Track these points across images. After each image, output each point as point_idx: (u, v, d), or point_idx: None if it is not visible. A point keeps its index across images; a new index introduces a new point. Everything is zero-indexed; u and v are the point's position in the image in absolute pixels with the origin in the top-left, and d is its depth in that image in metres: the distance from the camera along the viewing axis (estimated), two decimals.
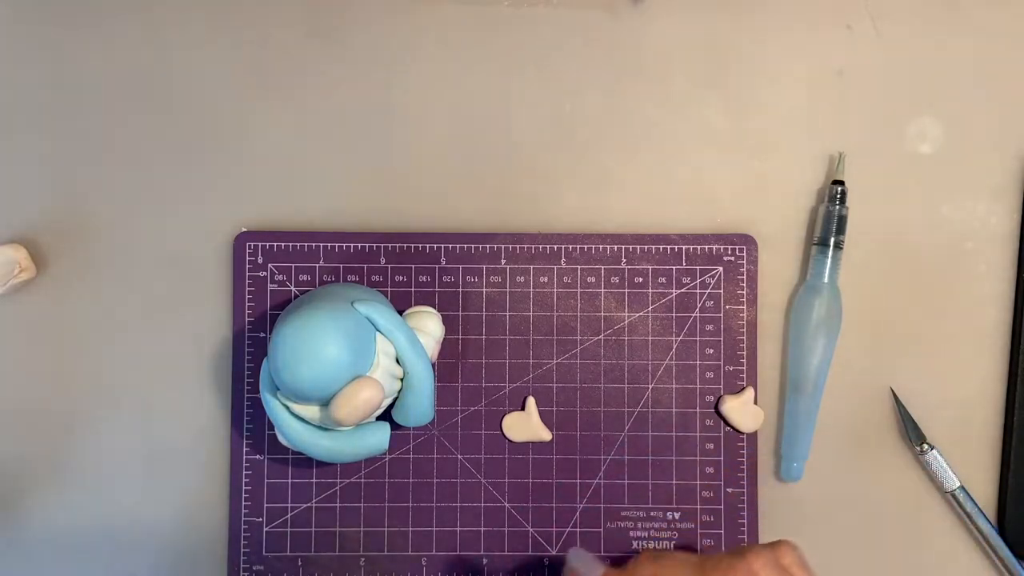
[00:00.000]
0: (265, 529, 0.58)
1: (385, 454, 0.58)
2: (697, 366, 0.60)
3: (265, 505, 0.58)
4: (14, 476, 0.58)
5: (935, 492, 0.60)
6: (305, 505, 0.58)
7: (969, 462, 0.59)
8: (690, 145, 0.61)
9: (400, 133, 0.60)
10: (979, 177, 0.60)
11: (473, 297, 0.59)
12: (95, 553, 0.58)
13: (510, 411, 0.59)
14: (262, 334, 0.59)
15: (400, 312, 0.55)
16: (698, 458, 0.59)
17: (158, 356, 0.59)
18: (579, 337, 0.59)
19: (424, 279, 0.59)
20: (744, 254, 0.60)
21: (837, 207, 0.59)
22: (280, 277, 0.59)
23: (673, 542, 0.59)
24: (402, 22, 0.60)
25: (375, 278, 0.59)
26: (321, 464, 0.58)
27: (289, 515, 0.58)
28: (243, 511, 0.58)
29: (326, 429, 0.53)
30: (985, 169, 0.60)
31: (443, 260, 0.59)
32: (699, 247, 0.60)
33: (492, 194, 0.60)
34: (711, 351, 0.60)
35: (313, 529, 0.58)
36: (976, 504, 0.59)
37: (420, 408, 0.54)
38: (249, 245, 0.59)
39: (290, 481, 0.58)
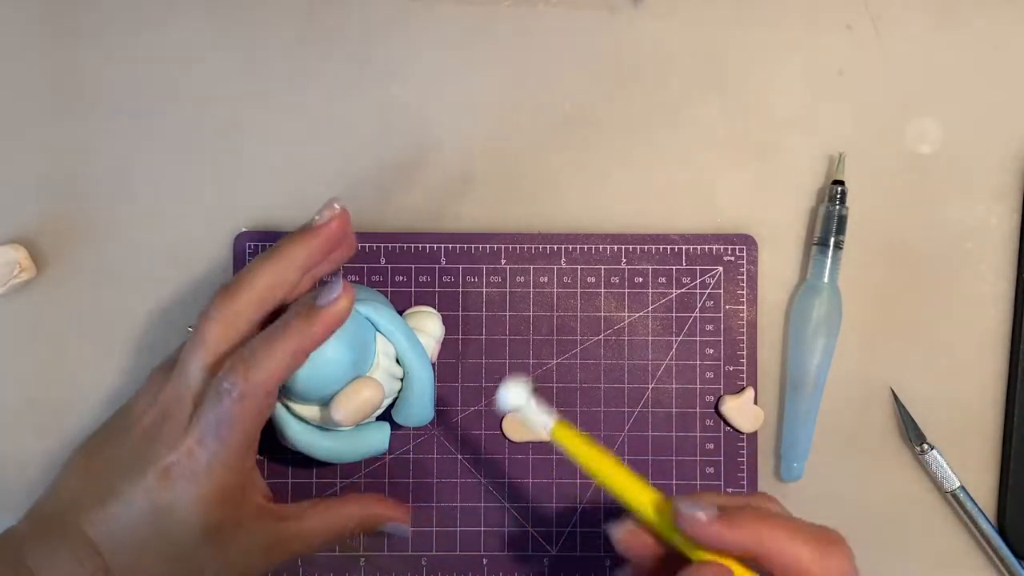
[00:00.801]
0: None
1: (385, 454, 0.58)
2: (697, 366, 0.59)
3: None
4: (14, 476, 0.58)
5: (935, 492, 0.60)
6: None
7: (969, 462, 0.59)
8: (690, 145, 0.61)
9: (400, 132, 0.60)
10: (979, 177, 0.60)
11: (473, 297, 0.59)
12: None
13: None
14: None
15: (400, 312, 0.55)
16: (698, 458, 0.59)
17: (159, 356, 0.59)
18: (579, 337, 0.59)
19: (424, 279, 0.59)
20: (744, 254, 0.60)
21: (837, 207, 0.59)
22: None
23: None
24: (402, 22, 0.60)
25: (375, 278, 0.59)
26: (321, 464, 0.58)
27: None
28: None
29: (327, 429, 0.53)
30: (985, 169, 0.60)
31: (443, 260, 0.59)
32: (699, 247, 0.60)
33: (492, 194, 0.60)
34: (711, 351, 0.60)
35: None
36: (976, 504, 0.59)
37: (420, 408, 0.54)
38: (249, 244, 0.59)
39: (290, 481, 0.58)
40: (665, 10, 0.61)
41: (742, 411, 0.59)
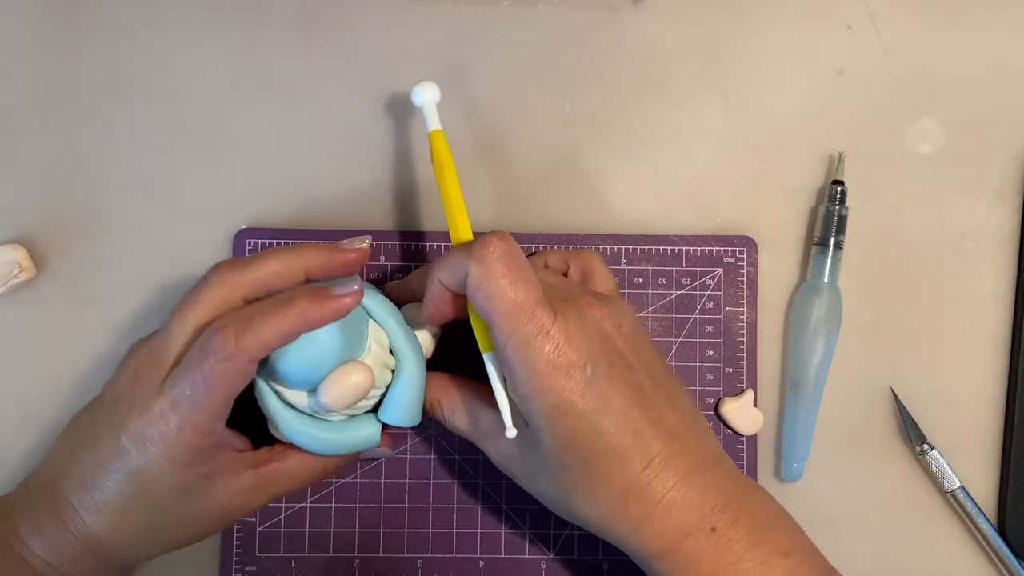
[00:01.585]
0: (258, 529, 0.58)
1: (382, 454, 0.58)
2: (697, 368, 0.59)
3: None
4: (14, 477, 0.58)
5: (935, 492, 0.59)
6: (299, 505, 0.58)
7: (969, 462, 0.59)
8: (690, 145, 0.61)
9: (399, 132, 0.60)
10: (979, 177, 0.60)
11: None
12: None
13: None
14: None
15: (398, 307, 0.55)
16: None
17: None
18: None
19: None
20: (744, 256, 0.60)
21: (837, 207, 0.59)
22: None
23: None
24: (402, 22, 0.60)
25: (374, 275, 0.59)
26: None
27: (283, 515, 0.58)
28: None
29: (318, 418, 0.53)
30: (985, 169, 0.60)
31: None
32: (699, 248, 0.60)
33: (492, 194, 0.60)
34: (711, 352, 0.59)
35: (307, 530, 0.58)
36: (976, 504, 0.59)
37: (409, 401, 0.53)
38: (249, 242, 0.59)
39: None
40: (665, 10, 0.61)
41: (742, 413, 0.59)
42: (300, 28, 0.60)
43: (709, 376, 0.59)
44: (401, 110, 0.60)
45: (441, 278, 0.49)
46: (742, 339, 0.59)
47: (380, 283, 0.59)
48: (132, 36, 0.60)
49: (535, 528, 0.58)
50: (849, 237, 0.59)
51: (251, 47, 0.60)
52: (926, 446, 0.59)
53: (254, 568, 0.58)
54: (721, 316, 0.59)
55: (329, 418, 0.52)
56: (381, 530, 0.58)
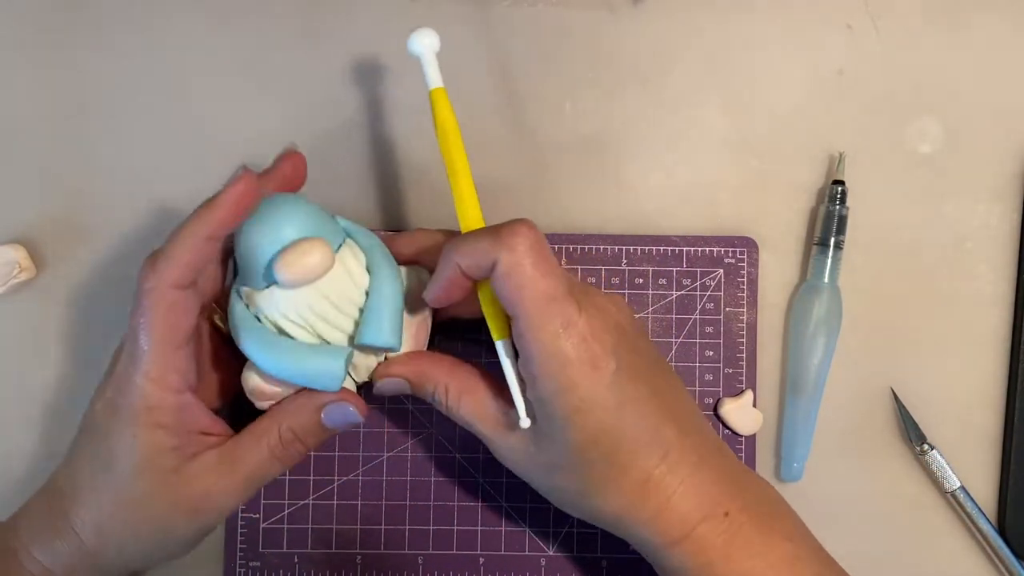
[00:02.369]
0: (262, 526, 0.58)
1: (383, 452, 0.58)
2: (696, 368, 0.59)
3: (262, 502, 0.58)
4: (14, 477, 0.58)
5: (935, 492, 0.59)
6: (302, 502, 0.58)
7: (969, 462, 0.59)
8: (690, 145, 0.61)
9: (399, 132, 0.60)
10: (979, 177, 0.60)
11: None
12: None
13: None
14: None
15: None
16: None
17: None
18: None
19: None
20: (745, 256, 0.60)
21: (837, 207, 0.59)
22: None
23: None
24: (401, 22, 0.60)
25: None
26: (318, 462, 0.58)
27: (286, 512, 0.58)
28: (240, 507, 0.58)
29: (284, 336, 0.49)
30: (985, 169, 0.60)
31: None
32: (700, 249, 0.60)
33: (492, 194, 0.60)
34: (711, 353, 0.59)
35: (310, 526, 0.58)
36: (976, 504, 0.58)
37: (386, 317, 0.49)
38: None
39: (287, 478, 0.58)
40: (665, 10, 0.61)
41: (741, 414, 0.59)
42: (301, 28, 0.60)
43: (709, 376, 0.59)
44: (401, 110, 0.60)
45: (461, 263, 0.47)
46: (742, 339, 0.59)
47: None
48: (132, 37, 0.60)
49: (534, 526, 0.59)
50: (849, 237, 0.59)
51: (251, 48, 0.60)
52: (926, 446, 0.59)
53: (258, 563, 0.58)
54: (721, 316, 0.59)
55: (296, 336, 0.49)
56: (382, 527, 0.58)
